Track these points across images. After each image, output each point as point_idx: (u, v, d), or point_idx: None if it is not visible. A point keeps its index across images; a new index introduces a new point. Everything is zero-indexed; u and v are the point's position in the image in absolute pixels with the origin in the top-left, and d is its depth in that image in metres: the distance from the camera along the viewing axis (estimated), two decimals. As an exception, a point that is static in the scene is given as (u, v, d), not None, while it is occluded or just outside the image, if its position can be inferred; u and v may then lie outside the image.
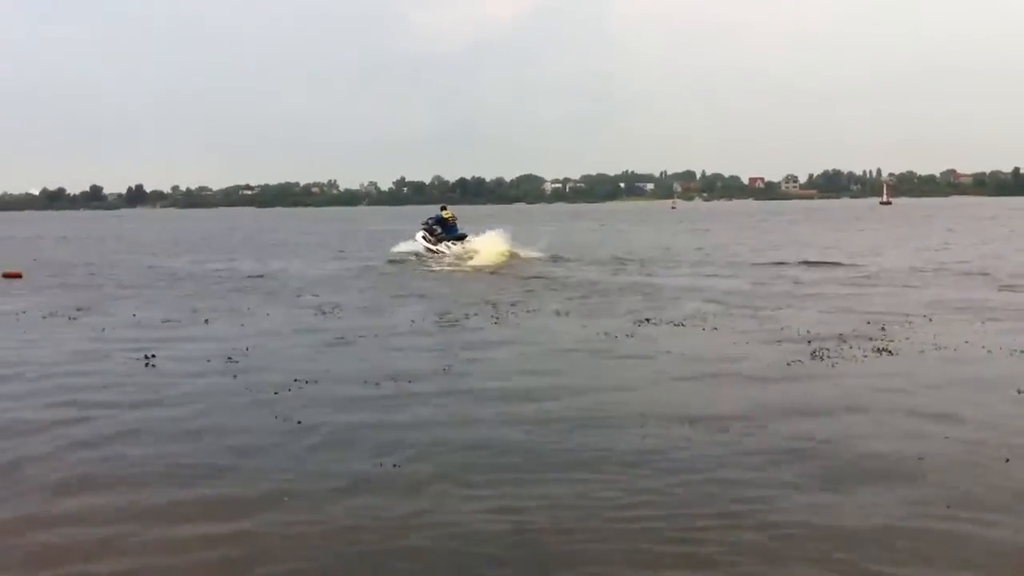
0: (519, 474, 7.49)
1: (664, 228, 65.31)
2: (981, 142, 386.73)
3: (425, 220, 36.04)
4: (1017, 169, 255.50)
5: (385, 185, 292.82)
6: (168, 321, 16.90)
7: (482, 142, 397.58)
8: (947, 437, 8.29)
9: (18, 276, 27.88)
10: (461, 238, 33.45)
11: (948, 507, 6.55)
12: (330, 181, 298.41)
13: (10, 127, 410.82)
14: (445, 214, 34.80)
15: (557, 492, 7.00)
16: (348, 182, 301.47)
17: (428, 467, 7.68)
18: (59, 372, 12.09)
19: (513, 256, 31.08)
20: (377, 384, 10.90)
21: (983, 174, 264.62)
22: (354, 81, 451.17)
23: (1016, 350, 12.49)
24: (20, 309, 19.17)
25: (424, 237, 34.78)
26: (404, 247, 37.06)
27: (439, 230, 34.30)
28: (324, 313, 17.75)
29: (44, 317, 17.81)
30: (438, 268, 29.07)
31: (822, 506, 6.63)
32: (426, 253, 33.97)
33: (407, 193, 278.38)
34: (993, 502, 6.64)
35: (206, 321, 16.84)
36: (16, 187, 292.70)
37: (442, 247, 33.50)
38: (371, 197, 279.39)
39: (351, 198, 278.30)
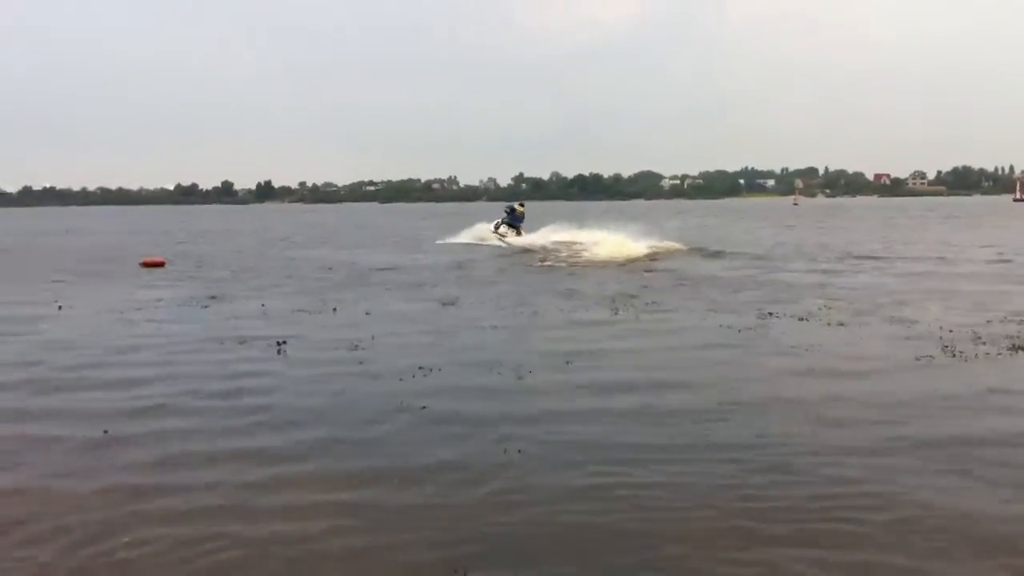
0: (644, 456, 7.61)
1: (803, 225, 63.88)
2: None
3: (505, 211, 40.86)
4: None
5: (504, 181, 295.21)
6: (300, 310, 17.56)
7: (600, 140, 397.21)
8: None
9: (160, 264, 29.43)
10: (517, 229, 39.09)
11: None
12: (450, 177, 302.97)
13: (147, 124, 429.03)
14: (520, 208, 40.23)
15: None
16: (468, 178, 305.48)
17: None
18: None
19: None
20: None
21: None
22: (474, 81, 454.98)
23: None
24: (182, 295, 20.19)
25: (497, 225, 39.94)
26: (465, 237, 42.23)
27: (508, 220, 39.57)
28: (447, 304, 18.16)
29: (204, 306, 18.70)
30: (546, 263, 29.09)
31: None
32: (494, 236, 39.11)
33: (525, 189, 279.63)
34: None
35: (334, 310, 17.43)
36: (152, 183, 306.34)
37: (507, 232, 38.85)
38: (490, 193, 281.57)
39: (471, 194, 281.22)
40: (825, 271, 24.52)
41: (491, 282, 22.82)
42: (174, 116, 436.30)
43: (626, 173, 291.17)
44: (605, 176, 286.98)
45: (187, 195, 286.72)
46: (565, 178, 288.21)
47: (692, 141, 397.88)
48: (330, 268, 27.80)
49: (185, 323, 16.10)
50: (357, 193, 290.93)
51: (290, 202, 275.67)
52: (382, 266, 28.47)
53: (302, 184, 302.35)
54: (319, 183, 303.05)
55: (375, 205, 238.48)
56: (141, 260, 30.35)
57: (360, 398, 9.99)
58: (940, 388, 9.96)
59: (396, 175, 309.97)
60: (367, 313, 16.89)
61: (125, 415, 9.32)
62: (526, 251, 33.87)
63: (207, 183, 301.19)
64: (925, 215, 79.22)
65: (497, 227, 39.77)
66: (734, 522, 6.25)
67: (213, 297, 19.98)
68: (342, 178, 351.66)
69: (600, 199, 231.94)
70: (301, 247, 41.89)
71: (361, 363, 11.91)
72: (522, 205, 40.99)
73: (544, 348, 12.99)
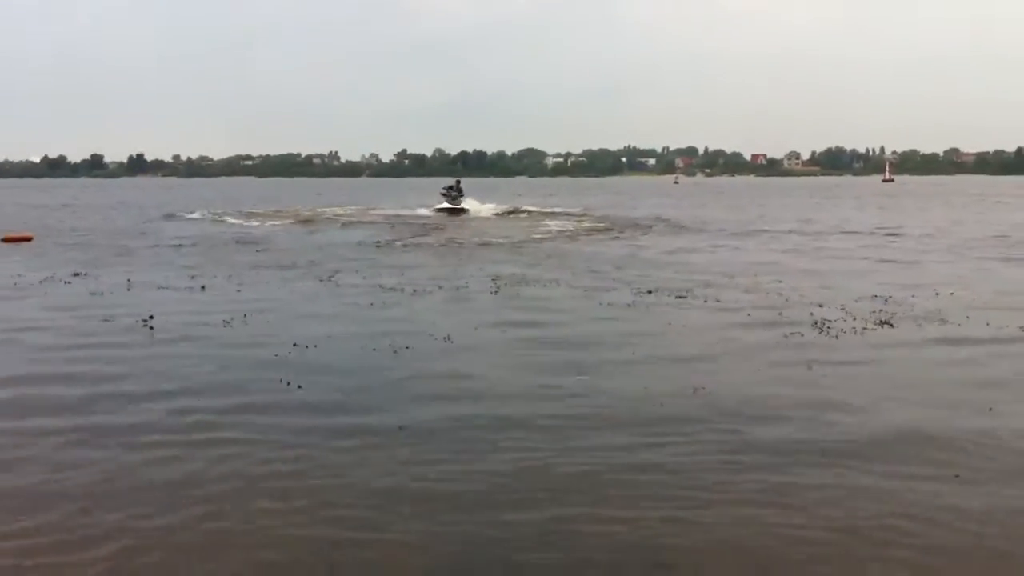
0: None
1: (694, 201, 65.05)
2: (984, 123, 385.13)
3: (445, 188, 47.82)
4: (1020, 149, 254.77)
5: (386, 157, 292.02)
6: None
7: (484, 117, 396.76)
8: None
9: (28, 239, 28.13)
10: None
11: None
12: (332, 152, 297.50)
13: (11, 93, 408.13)
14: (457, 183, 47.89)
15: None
16: (350, 154, 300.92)
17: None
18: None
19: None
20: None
21: (986, 153, 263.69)
22: (357, 54, 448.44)
23: None
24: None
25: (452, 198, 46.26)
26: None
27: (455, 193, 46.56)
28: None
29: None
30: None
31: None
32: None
33: (408, 165, 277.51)
34: None
35: (202, 288, 16.89)
36: (17, 154, 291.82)
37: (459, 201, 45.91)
38: (372, 168, 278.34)
39: (353, 169, 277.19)
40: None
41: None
42: (39, 81, 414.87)
43: (510, 151, 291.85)
44: (489, 153, 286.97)
45: (55, 168, 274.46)
46: (448, 154, 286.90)
47: (577, 121, 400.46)
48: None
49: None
50: (234, 167, 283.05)
51: (163, 175, 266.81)
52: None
53: (176, 157, 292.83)
54: (194, 156, 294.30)
55: (252, 179, 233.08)
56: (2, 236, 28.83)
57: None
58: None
59: (275, 150, 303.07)
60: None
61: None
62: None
63: (76, 155, 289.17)
64: (802, 194, 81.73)
65: (453, 199, 45.98)
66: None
67: (77, 274, 19.15)
68: (218, 151, 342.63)
69: (483, 176, 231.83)
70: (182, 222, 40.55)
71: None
72: (458, 181, 48.52)
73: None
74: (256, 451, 7.24)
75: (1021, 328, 12.16)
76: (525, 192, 75.70)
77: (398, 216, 41.23)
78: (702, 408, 8.36)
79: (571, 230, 32.61)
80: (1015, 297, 15.16)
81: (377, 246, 26.05)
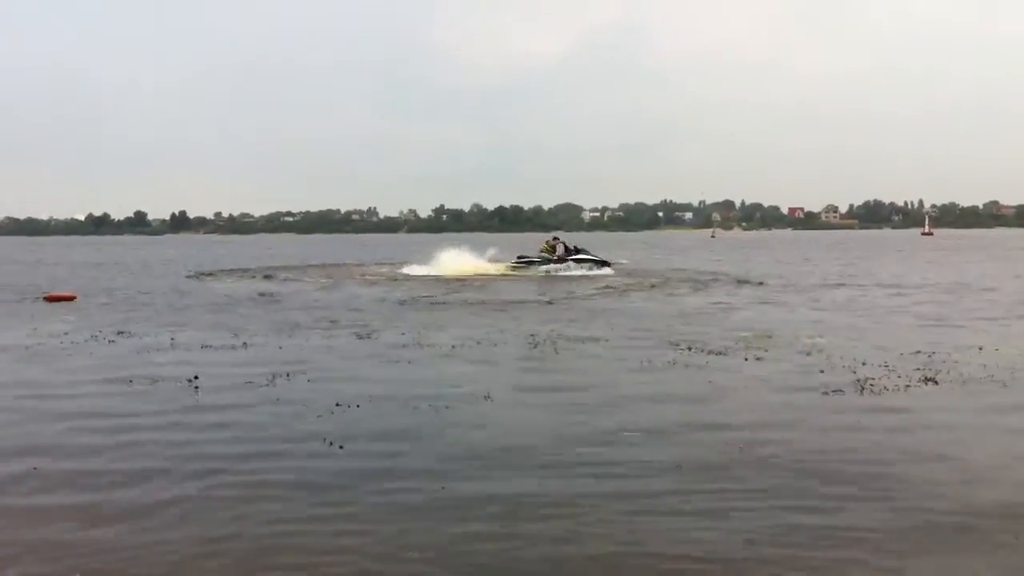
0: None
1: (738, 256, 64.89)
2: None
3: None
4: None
5: (424, 212, 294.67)
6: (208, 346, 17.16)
7: (522, 172, 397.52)
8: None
9: (71, 299, 28.49)
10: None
11: None
12: (370, 208, 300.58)
13: (57, 152, 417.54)
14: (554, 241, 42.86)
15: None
16: (388, 209, 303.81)
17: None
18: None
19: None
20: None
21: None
22: (396, 110, 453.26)
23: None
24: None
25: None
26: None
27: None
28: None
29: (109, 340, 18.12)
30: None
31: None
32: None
33: (445, 221, 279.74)
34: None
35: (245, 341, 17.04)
36: (62, 212, 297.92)
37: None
38: (410, 224, 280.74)
39: (391, 225, 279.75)
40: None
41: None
42: (85, 141, 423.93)
43: (547, 205, 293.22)
44: (526, 208, 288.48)
45: (99, 225, 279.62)
46: (486, 210, 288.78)
47: (613, 174, 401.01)
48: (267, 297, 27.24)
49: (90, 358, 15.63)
50: (274, 223, 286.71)
51: (205, 232, 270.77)
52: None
53: (217, 214, 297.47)
54: (235, 213, 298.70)
55: (293, 236, 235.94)
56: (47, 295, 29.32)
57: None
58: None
59: (314, 206, 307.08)
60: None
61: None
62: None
63: (119, 213, 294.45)
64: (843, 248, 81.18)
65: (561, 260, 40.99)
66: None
67: (120, 332, 19.44)
68: (259, 208, 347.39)
69: (521, 231, 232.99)
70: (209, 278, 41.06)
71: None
72: (555, 239, 43.66)
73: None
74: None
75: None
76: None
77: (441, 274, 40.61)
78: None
79: (612, 286, 32.38)
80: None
81: (430, 304, 26.09)
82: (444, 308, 24.46)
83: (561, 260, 40.80)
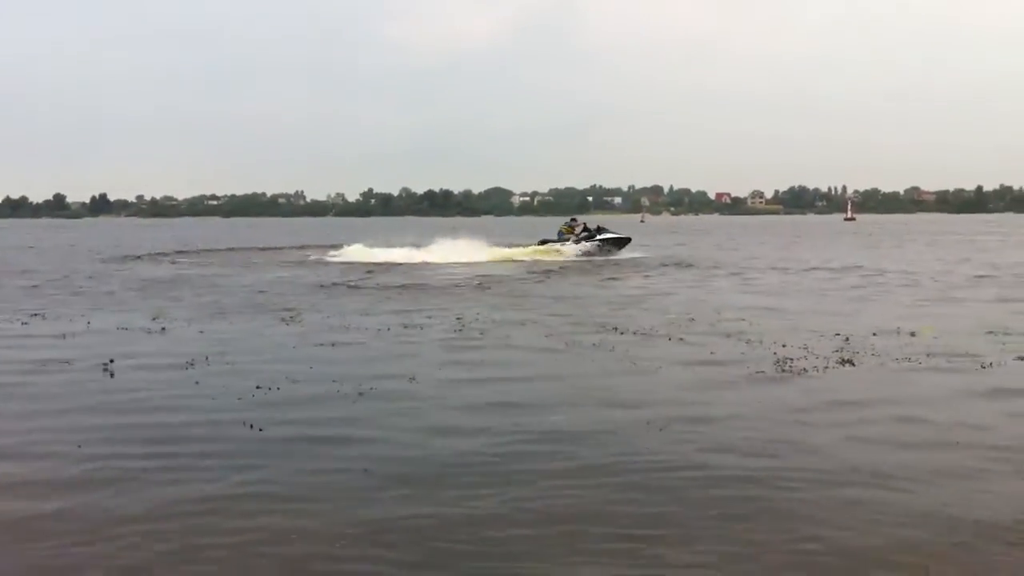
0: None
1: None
2: (944, 162, 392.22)
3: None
4: (980, 187, 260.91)
5: (352, 196, 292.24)
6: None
7: (450, 155, 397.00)
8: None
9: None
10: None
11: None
12: (297, 192, 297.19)
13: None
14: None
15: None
16: (315, 193, 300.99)
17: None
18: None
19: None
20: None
21: (946, 192, 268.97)
22: (323, 91, 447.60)
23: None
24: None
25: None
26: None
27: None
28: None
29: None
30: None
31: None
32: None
33: (374, 205, 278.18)
34: None
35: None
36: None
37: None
38: (338, 208, 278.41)
39: (318, 209, 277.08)
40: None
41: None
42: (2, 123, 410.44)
43: (477, 189, 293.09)
44: (455, 192, 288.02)
45: (15, 208, 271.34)
46: (415, 194, 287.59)
47: (544, 159, 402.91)
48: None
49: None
50: (198, 207, 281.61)
51: (127, 216, 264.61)
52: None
53: (139, 198, 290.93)
54: (158, 197, 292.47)
55: (217, 220, 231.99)
56: None
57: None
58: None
59: (239, 189, 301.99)
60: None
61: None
62: None
63: (38, 196, 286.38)
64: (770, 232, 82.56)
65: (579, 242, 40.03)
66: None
67: (35, 315, 18.87)
68: (183, 192, 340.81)
69: (450, 215, 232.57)
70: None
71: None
72: (574, 219, 42.72)
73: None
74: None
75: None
76: (496, 232, 75.59)
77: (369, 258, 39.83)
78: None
79: (550, 269, 32.36)
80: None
81: (348, 286, 25.83)
82: (371, 292, 24.21)
83: (589, 238, 39.84)
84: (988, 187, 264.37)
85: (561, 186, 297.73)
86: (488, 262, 37.11)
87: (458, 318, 17.89)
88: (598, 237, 40.10)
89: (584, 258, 38.33)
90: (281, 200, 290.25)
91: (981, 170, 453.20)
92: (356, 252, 41.68)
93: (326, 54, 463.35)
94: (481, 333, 15.77)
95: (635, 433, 8.88)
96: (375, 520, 6.60)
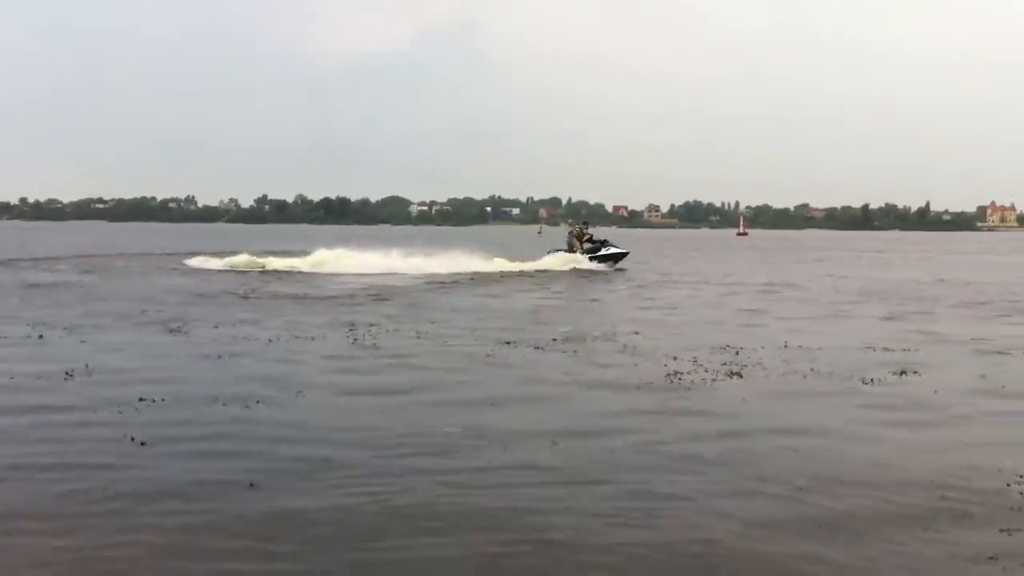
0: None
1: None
2: (832, 179, 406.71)
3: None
4: (866, 205, 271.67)
5: (246, 202, 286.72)
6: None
7: (349, 163, 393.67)
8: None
9: None
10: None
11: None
12: (188, 197, 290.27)
13: None
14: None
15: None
16: (207, 198, 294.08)
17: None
18: None
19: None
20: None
21: (834, 209, 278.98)
22: (217, 95, 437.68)
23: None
24: None
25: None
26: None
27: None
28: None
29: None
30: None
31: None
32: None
33: (268, 211, 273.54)
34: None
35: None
36: None
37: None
38: (231, 214, 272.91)
39: (210, 214, 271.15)
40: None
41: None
42: None
43: (374, 198, 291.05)
44: (352, 200, 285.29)
45: None
46: (311, 201, 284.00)
47: (443, 168, 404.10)
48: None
49: None
50: (85, 210, 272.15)
51: (9, 219, 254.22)
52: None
53: (23, 200, 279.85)
54: (42, 199, 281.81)
55: (104, 224, 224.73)
56: None
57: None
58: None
59: (128, 193, 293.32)
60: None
61: None
62: None
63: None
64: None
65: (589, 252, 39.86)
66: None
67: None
68: (68, 194, 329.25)
69: (347, 223, 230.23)
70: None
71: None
72: (585, 224, 43.01)
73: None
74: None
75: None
76: (392, 242, 75.05)
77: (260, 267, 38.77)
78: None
79: (442, 281, 32.14)
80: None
81: (242, 296, 25.22)
82: (262, 302, 23.75)
83: (593, 251, 39.94)
84: (874, 205, 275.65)
85: (460, 196, 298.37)
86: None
87: (351, 329, 17.67)
88: (602, 251, 40.09)
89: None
90: (172, 205, 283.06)
91: (867, 189, 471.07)
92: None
93: (223, 56, 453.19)
94: (375, 346, 15.59)
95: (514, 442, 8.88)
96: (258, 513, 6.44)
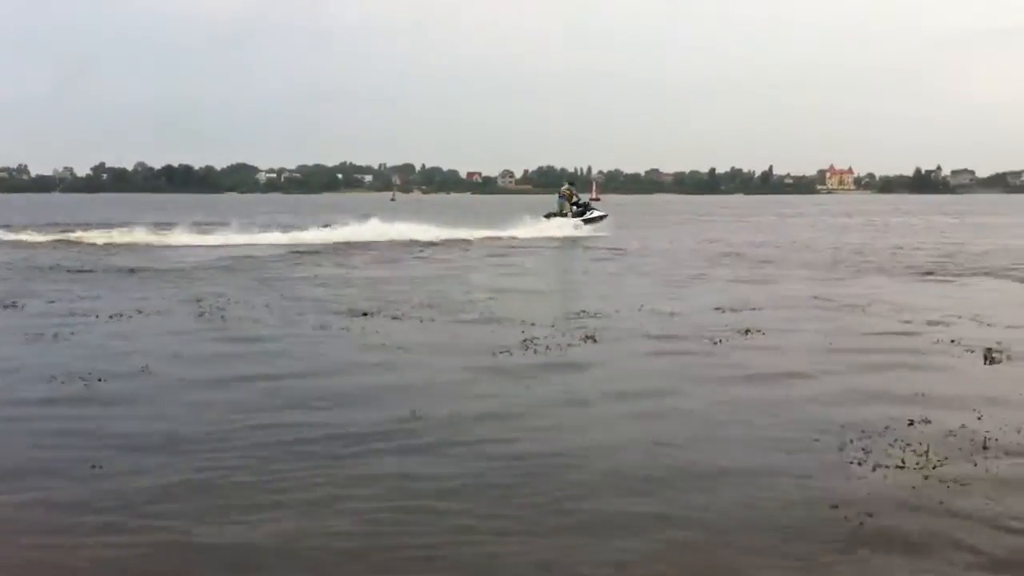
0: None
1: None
2: (680, 145, 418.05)
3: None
4: (713, 170, 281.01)
5: (82, 171, 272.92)
6: None
7: (193, 130, 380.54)
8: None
9: None
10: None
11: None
12: (20, 166, 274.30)
13: None
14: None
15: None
16: (40, 167, 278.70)
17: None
18: None
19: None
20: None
21: (683, 173, 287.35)
22: (51, 58, 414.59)
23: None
24: None
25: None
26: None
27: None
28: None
29: None
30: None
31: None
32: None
33: (106, 180, 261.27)
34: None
35: None
36: None
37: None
38: (66, 184, 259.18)
39: (44, 184, 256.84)
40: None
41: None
42: None
43: (220, 165, 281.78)
44: (196, 168, 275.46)
45: None
46: (152, 168, 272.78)
47: (292, 135, 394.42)
48: None
49: None
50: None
51: None
52: None
53: None
54: None
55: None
56: None
57: None
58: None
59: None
60: None
61: None
62: None
63: None
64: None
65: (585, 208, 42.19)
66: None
67: None
68: None
69: (191, 192, 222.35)
70: None
71: None
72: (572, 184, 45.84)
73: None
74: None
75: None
76: (237, 211, 72.87)
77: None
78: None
79: (299, 252, 31.15)
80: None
81: (78, 271, 23.85)
82: (102, 275, 22.60)
83: (580, 214, 41.79)
84: (720, 170, 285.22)
85: (309, 163, 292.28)
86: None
87: (198, 301, 17.01)
88: (586, 215, 41.86)
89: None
90: (1, 174, 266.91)
91: (714, 154, 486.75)
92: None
93: (59, 18, 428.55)
94: (223, 319, 15.04)
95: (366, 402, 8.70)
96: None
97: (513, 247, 33.78)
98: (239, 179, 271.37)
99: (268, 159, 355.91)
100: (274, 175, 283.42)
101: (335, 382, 10.27)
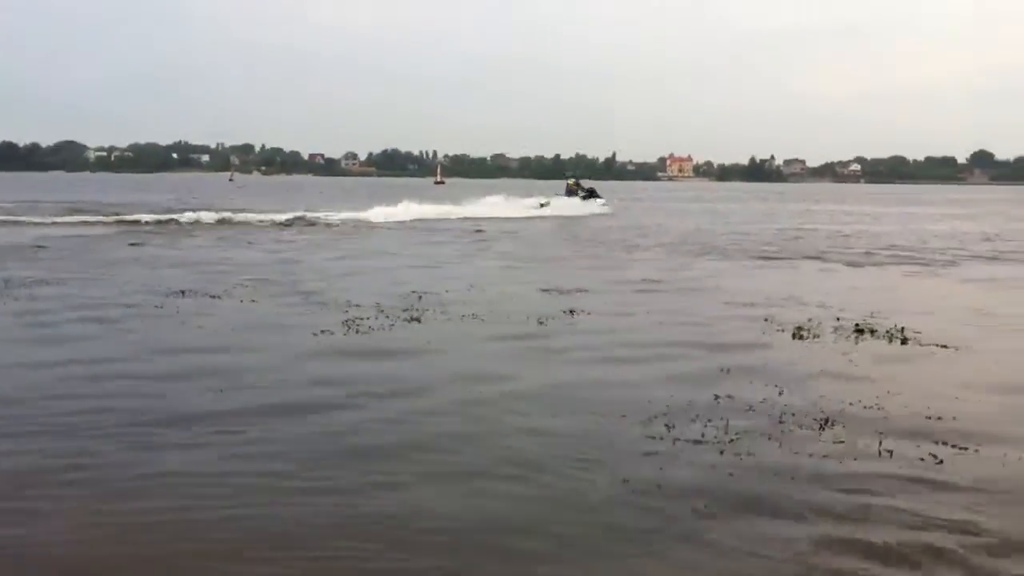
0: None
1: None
2: (527, 128, 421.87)
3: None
4: (558, 155, 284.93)
5: None
6: None
7: (15, 105, 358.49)
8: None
9: None
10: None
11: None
12: None
13: None
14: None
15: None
16: None
17: None
18: None
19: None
20: None
21: (529, 159, 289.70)
22: None
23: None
24: None
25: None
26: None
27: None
28: None
29: None
30: None
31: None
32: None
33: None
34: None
35: None
36: None
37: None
38: None
39: None
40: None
41: None
42: None
43: (45, 143, 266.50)
44: (20, 145, 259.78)
45: None
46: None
47: (123, 112, 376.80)
48: None
49: None
50: None
51: None
52: None
53: None
54: None
55: None
56: None
57: None
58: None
59: None
60: None
61: None
62: None
63: None
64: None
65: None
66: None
67: None
68: None
69: (14, 170, 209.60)
70: None
71: None
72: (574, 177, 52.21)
73: None
74: None
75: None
76: (64, 189, 69.38)
77: None
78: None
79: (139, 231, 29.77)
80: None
81: None
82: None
83: (592, 196, 48.60)
84: (565, 155, 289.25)
85: (142, 141, 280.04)
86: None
87: (5, 284, 16.07)
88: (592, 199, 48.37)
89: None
90: None
91: (560, 141, 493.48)
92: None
93: None
94: (31, 296, 14.30)
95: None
96: None
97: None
98: (67, 157, 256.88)
99: (98, 137, 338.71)
100: (104, 153, 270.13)
101: (135, 367, 9.87)
